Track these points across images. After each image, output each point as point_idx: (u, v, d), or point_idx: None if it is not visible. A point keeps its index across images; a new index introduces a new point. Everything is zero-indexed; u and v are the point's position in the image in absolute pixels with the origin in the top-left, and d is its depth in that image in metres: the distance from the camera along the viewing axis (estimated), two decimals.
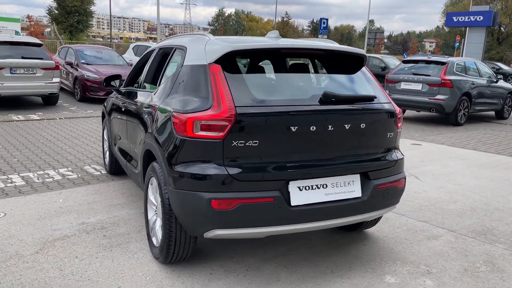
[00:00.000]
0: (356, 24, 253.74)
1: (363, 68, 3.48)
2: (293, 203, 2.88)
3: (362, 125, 3.09)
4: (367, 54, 21.37)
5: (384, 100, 3.31)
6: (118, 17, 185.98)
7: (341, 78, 3.51)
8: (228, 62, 2.97)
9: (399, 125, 3.38)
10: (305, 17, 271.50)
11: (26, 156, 6.44)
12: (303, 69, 3.61)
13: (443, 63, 11.01)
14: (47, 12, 41.78)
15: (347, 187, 3.08)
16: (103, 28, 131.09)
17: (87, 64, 12.45)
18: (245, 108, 2.79)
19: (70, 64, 12.76)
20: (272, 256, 3.52)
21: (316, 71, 3.56)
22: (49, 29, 61.70)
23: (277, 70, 3.68)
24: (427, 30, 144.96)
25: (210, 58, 3.00)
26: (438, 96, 10.71)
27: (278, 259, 3.47)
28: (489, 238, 4.05)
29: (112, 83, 4.98)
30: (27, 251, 3.46)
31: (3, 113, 9.83)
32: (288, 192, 2.88)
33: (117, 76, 4.99)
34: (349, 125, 3.02)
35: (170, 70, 3.65)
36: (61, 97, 12.23)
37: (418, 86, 11.03)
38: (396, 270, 3.38)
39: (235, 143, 2.77)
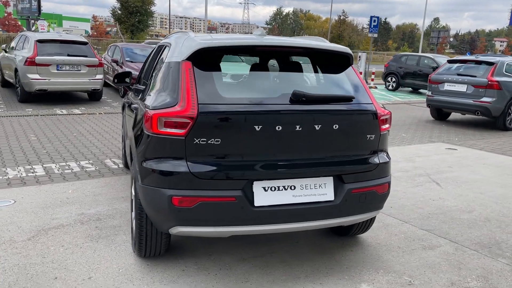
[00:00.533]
0: (420, 23, 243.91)
1: (349, 68, 3.35)
2: (256, 203, 2.83)
3: (335, 126, 2.97)
4: (420, 54, 20.40)
5: (364, 101, 3.16)
6: (180, 17, 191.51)
7: (321, 77, 3.40)
8: (200, 59, 2.97)
9: (383, 127, 3.22)
10: (367, 15, 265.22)
11: (56, 148, 6.80)
12: (283, 67, 3.53)
13: (491, 63, 10.34)
14: (111, 12, 43.86)
15: (318, 189, 2.98)
16: (165, 28, 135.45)
17: (131, 61, 12.92)
18: (208, 106, 2.78)
19: (116, 61, 13.31)
20: (250, 256, 3.48)
21: (296, 70, 3.47)
22: (114, 29, 64.90)
23: (254, 68, 3.63)
24: (497, 29, 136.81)
25: (184, 55, 3.01)
26: (484, 99, 10.07)
27: (255, 260, 3.42)
28: (493, 252, 3.76)
29: (127, 79, 5.14)
30: (20, 238, 3.65)
31: (48, 107, 10.43)
32: (252, 192, 2.84)
33: (128, 73, 5.14)
34: (319, 126, 2.92)
35: (158, 66, 3.71)
36: (106, 93, 12.79)
37: (462, 88, 10.44)
38: (375, 279, 3.23)
39: (197, 140, 2.76)
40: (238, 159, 2.83)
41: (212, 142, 2.77)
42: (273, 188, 2.88)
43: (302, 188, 2.94)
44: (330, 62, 3.36)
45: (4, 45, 13.93)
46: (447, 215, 4.62)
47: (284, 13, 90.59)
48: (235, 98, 2.89)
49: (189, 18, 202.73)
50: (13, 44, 12.22)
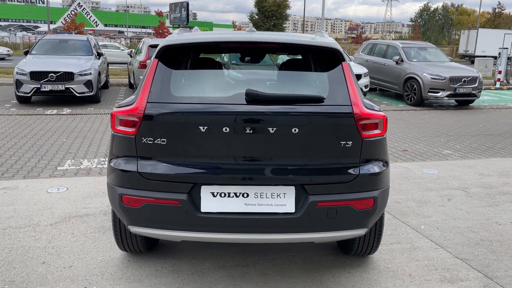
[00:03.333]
0: None
1: (338, 65, 2.93)
2: (203, 209, 2.67)
3: (294, 130, 2.64)
4: None
5: (340, 102, 2.74)
6: (319, 19, 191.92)
7: (296, 75, 3.04)
8: (166, 57, 2.91)
9: (366, 133, 2.76)
10: None
11: None
12: (258, 65, 3.24)
13: None
14: (249, 17, 46.04)
15: (276, 199, 2.68)
16: (306, 30, 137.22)
17: None
18: (155, 105, 2.71)
19: None
20: (233, 264, 3.31)
21: (270, 68, 3.16)
22: None
23: (219, 66, 3.36)
24: None
25: (156, 53, 2.99)
26: None
27: (234, 269, 3.24)
28: None
29: None
30: (45, 223, 4.03)
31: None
32: (200, 197, 2.68)
33: None
34: (275, 129, 2.63)
35: None
36: None
37: None
38: None
39: (144, 140, 2.72)
40: (184, 161, 2.71)
41: (159, 142, 2.70)
42: (222, 194, 2.68)
43: (256, 196, 2.68)
44: (317, 59, 3.00)
45: (129, 50, 15.57)
46: (505, 244, 3.77)
47: (432, 9, 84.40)
48: (186, 97, 2.77)
49: (329, 20, 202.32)
50: (137, 50, 13.61)
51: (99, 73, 11.54)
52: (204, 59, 3.34)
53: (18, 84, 10.61)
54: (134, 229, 2.84)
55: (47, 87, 10.54)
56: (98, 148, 6.99)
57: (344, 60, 2.95)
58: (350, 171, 2.75)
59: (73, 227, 3.95)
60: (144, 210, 2.71)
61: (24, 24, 73.53)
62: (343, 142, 2.72)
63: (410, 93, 12.73)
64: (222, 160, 2.70)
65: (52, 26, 52.49)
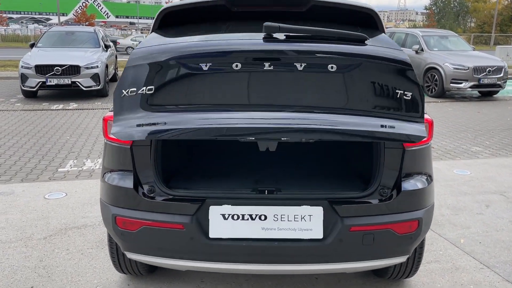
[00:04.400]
0: None
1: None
2: (212, 234, 2.23)
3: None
4: None
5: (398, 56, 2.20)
6: None
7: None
8: None
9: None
10: None
11: None
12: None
13: None
14: None
15: (300, 222, 2.22)
16: None
17: None
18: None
19: None
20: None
21: None
22: None
23: None
24: None
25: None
26: None
27: None
28: None
29: None
30: (39, 236, 3.63)
31: None
32: (208, 220, 2.23)
33: None
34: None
35: None
36: None
37: None
38: None
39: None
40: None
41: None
42: (235, 217, 2.23)
43: (276, 219, 2.22)
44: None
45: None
46: None
47: None
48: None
49: None
50: None
51: (107, 66, 11.14)
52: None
53: (23, 78, 10.26)
54: (131, 256, 2.41)
55: (53, 81, 10.17)
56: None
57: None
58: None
59: (68, 241, 3.54)
60: (142, 235, 2.28)
61: (36, 16, 73.70)
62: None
63: (430, 84, 12.12)
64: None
65: (63, 18, 52.38)
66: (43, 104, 10.06)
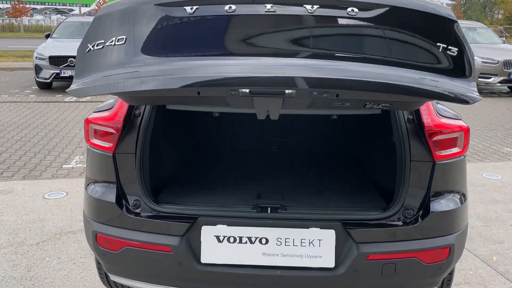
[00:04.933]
0: None
1: None
2: (204, 259, 1.92)
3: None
4: None
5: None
6: None
7: None
8: None
9: (438, 153, 1.92)
10: None
11: None
12: None
13: None
14: None
15: (308, 248, 1.89)
16: None
17: None
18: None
19: None
20: None
21: None
22: None
23: None
24: None
25: None
26: None
27: None
28: None
29: None
30: (32, 241, 3.39)
31: None
32: (199, 242, 1.92)
33: None
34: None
35: None
36: None
37: None
38: None
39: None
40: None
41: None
42: (231, 239, 1.91)
43: (279, 243, 1.90)
44: None
45: None
46: None
47: None
48: None
49: None
50: None
51: None
52: None
53: (38, 69, 10.13)
54: (114, 278, 2.12)
55: (67, 73, 10.00)
56: None
57: None
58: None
59: (61, 248, 3.28)
60: (125, 256, 1.98)
61: (59, 7, 74.44)
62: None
63: None
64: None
65: (86, 9, 52.64)
66: (57, 96, 9.92)
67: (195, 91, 1.64)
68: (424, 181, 1.94)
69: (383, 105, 1.81)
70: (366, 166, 2.74)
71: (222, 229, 1.90)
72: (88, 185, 2.17)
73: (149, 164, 2.08)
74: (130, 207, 2.00)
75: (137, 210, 1.99)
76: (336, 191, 2.38)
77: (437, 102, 2.19)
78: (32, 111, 8.34)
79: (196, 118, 3.19)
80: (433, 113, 2.01)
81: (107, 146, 2.02)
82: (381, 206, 2.07)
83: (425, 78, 1.52)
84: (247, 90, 1.57)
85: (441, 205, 1.95)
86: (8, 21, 41.58)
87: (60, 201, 4.13)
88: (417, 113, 2.01)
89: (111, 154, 2.02)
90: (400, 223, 1.92)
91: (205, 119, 3.20)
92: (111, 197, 2.02)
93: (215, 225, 1.91)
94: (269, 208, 1.98)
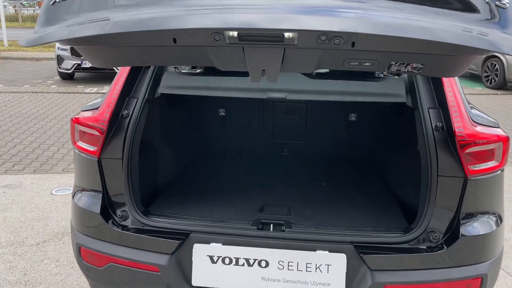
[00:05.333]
0: None
1: None
2: (195, 282, 1.70)
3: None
4: None
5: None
6: None
7: None
8: None
9: (471, 168, 1.63)
10: None
11: None
12: None
13: None
14: None
15: (314, 274, 1.64)
16: None
17: None
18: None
19: None
20: None
21: None
22: None
23: None
24: None
25: None
26: None
27: None
28: None
29: None
30: (33, 240, 3.25)
31: None
32: (191, 262, 1.69)
33: None
34: None
35: None
36: None
37: None
38: None
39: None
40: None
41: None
42: (227, 260, 1.68)
43: (281, 266, 1.65)
44: None
45: None
46: None
47: None
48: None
49: None
50: None
51: None
52: None
53: (59, 60, 10.11)
54: None
55: (88, 63, 9.93)
56: None
57: None
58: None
59: (61, 249, 3.13)
60: (109, 273, 1.78)
61: None
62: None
63: (490, 74, 10.96)
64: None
65: None
66: (78, 86, 9.88)
67: (170, 37, 1.31)
68: (453, 199, 1.66)
69: (414, 66, 1.40)
70: (388, 177, 2.45)
71: (217, 248, 1.67)
72: (75, 193, 1.97)
73: (139, 171, 1.86)
74: (116, 219, 1.79)
75: (124, 223, 1.78)
76: (350, 206, 2.11)
77: (471, 107, 1.89)
78: (52, 102, 8.30)
79: (197, 117, 2.95)
80: (466, 119, 1.72)
81: (92, 150, 1.82)
82: (402, 226, 1.80)
83: (472, 28, 1.18)
84: (235, 34, 1.23)
85: (472, 228, 1.67)
86: (39, 11, 42.21)
87: (67, 198, 3.99)
88: (447, 119, 1.73)
89: (96, 159, 1.81)
90: (424, 248, 1.65)
91: (207, 118, 2.96)
92: (96, 207, 1.82)
93: (209, 243, 1.68)
94: (271, 225, 1.74)
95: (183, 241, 1.69)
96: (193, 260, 1.69)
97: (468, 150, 1.66)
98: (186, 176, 2.54)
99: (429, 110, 1.77)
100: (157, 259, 1.70)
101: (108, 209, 1.82)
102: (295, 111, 2.73)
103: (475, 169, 1.68)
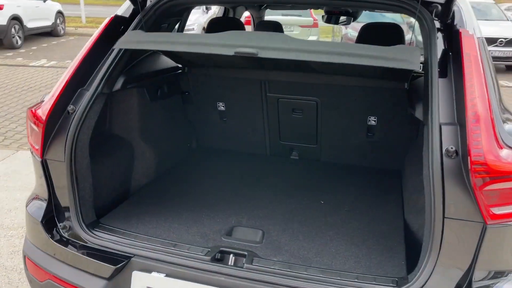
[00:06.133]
0: None
1: None
2: None
3: None
4: None
5: None
6: None
7: None
8: None
9: (492, 211, 1.22)
10: None
11: None
12: None
13: None
14: None
15: None
16: None
17: None
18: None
19: None
20: None
21: None
22: None
23: None
24: None
25: None
26: None
27: None
28: None
29: None
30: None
31: None
32: None
33: None
34: None
35: None
36: None
37: None
38: None
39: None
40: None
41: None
42: None
43: None
44: None
45: None
46: None
47: None
48: None
49: None
50: None
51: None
52: None
53: None
54: None
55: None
56: None
57: None
58: None
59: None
60: None
61: None
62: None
63: None
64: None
65: None
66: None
67: None
68: (466, 251, 1.26)
69: None
70: (406, 201, 2.00)
71: (158, 280, 1.41)
72: (30, 196, 1.81)
73: (91, 177, 1.64)
74: (60, 231, 1.58)
75: (66, 236, 1.56)
76: (340, 238, 1.72)
77: (507, 119, 1.43)
78: None
79: (192, 112, 2.67)
80: (491, 142, 1.26)
81: (36, 148, 1.62)
82: (398, 276, 1.41)
83: None
84: None
85: None
86: None
87: None
88: (464, 141, 1.28)
89: (40, 160, 1.61)
90: None
91: (204, 112, 2.66)
92: (39, 214, 1.63)
93: (150, 272, 1.41)
94: (231, 256, 1.42)
95: (123, 265, 1.44)
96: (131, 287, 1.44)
97: (490, 187, 1.23)
98: (161, 181, 2.27)
99: (442, 126, 1.35)
100: (91, 284, 1.47)
101: (53, 217, 1.62)
102: (304, 110, 2.34)
103: (499, 212, 1.24)
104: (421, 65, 1.84)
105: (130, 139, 2.05)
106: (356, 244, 1.66)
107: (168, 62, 2.33)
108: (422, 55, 1.59)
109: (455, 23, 1.59)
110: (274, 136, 2.53)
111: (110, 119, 1.97)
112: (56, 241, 1.57)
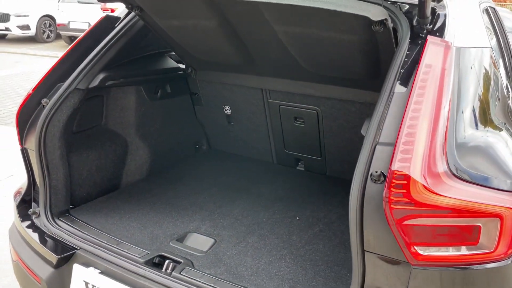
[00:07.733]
0: None
1: None
2: None
3: None
4: None
5: None
6: None
7: None
8: None
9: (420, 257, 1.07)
10: None
11: None
12: None
13: None
14: None
15: None
16: None
17: None
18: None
19: None
20: None
21: None
22: None
23: None
24: None
25: None
26: None
27: None
28: None
29: None
30: None
31: None
32: (69, 283, 1.51)
33: None
34: None
35: None
36: None
37: None
38: None
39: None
40: None
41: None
42: None
43: None
44: None
45: None
46: None
47: None
48: None
49: None
50: None
51: None
52: None
53: None
54: None
55: None
56: None
57: None
58: None
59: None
60: (17, 270, 1.74)
61: None
62: None
63: None
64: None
65: None
66: None
67: None
68: None
69: None
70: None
71: (93, 275, 1.45)
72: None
73: (67, 168, 1.72)
74: (30, 215, 1.69)
75: (36, 221, 1.67)
76: (296, 258, 1.60)
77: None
78: None
79: (199, 113, 2.63)
80: (424, 165, 1.05)
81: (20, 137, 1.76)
82: None
83: None
84: None
85: None
86: None
87: None
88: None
89: (21, 148, 1.75)
90: None
91: (209, 114, 2.60)
92: (17, 199, 1.76)
93: (88, 266, 1.45)
94: (167, 262, 1.41)
95: (67, 256, 1.50)
96: (71, 281, 1.49)
97: (412, 222, 1.04)
98: (151, 179, 2.28)
99: (377, 146, 1.18)
100: (41, 270, 1.56)
101: (30, 202, 1.74)
102: (305, 118, 2.21)
103: (427, 254, 1.05)
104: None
105: (125, 135, 2.12)
106: (305, 268, 1.54)
107: (169, 63, 2.35)
108: (387, 20, 1.40)
109: (434, 29, 1.38)
110: (279, 144, 2.43)
111: (106, 115, 2.05)
112: (25, 225, 1.69)
